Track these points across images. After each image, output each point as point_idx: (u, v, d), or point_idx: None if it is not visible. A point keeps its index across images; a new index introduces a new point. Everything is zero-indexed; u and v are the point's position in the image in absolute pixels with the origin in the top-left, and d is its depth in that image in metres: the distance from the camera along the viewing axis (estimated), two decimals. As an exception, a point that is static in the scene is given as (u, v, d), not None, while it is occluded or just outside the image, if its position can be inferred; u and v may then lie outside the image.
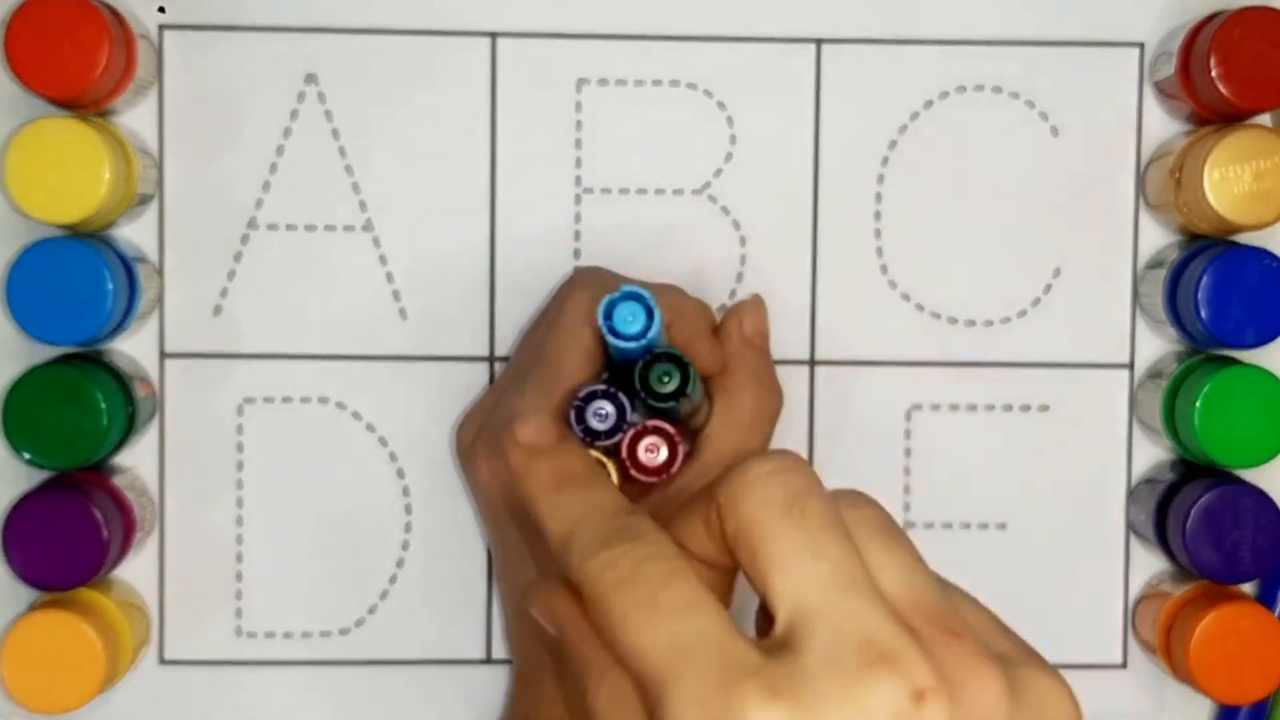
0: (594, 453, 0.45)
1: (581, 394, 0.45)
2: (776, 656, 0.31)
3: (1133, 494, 0.55)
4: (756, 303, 0.53)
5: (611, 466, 0.45)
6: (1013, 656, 0.33)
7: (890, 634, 0.31)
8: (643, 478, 0.45)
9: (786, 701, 0.30)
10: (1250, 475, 0.53)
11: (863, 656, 0.31)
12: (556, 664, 0.46)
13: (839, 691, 0.30)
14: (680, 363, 0.45)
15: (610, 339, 0.44)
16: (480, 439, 0.50)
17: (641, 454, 0.45)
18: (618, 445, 0.45)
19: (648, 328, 0.44)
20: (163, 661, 0.54)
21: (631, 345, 0.44)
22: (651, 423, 0.45)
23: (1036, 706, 0.32)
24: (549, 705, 0.49)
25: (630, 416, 0.45)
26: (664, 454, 0.45)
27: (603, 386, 0.45)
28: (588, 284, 0.50)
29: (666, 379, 0.45)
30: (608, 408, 0.45)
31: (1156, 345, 0.55)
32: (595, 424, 0.45)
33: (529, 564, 0.49)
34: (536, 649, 0.50)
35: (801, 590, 0.32)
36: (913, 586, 0.33)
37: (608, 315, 0.44)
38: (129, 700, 0.54)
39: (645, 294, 0.44)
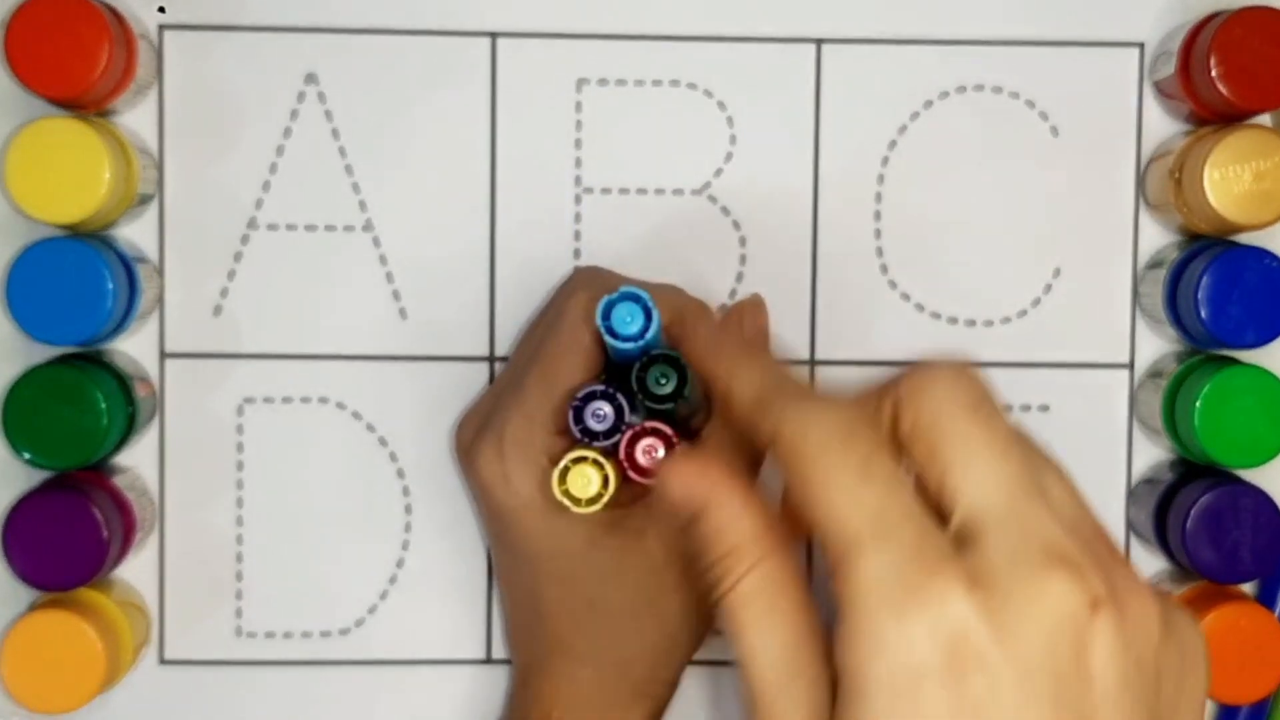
0: (591, 454, 0.45)
1: (580, 394, 0.45)
2: (962, 547, 0.32)
3: (1132, 494, 0.55)
4: (756, 302, 0.53)
5: (610, 467, 0.45)
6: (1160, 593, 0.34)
7: (1069, 542, 0.32)
8: (640, 479, 0.45)
9: (981, 591, 0.31)
10: (1250, 475, 0.53)
11: (1045, 558, 0.32)
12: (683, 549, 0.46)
13: (1022, 588, 0.32)
14: (678, 364, 0.45)
15: (608, 339, 0.44)
16: (480, 438, 0.50)
17: (639, 455, 0.45)
18: (616, 446, 0.45)
19: (646, 328, 0.44)
20: (163, 661, 0.54)
21: (630, 346, 0.44)
22: (650, 424, 0.45)
23: (1181, 640, 0.34)
24: (548, 704, 0.49)
25: (629, 417, 0.45)
26: (662, 455, 0.45)
27: (601, 387, 0.45)
28: (587, 284, 0.50)
29: (664, 380, 0.45)
30: (606, 408, 0.45)
31: (1156, 345, 0.55)
32: (593, 424, 0.45)
33: (528, 563, 0.49)
34: (534, 645, 0.50)
35: (985, 488, 0.33)
36: (1079, 509, 0.34)
37: (606, 316, 0.44)
38: (129, 700, 0.54)
39: (644, 295, 0.44)
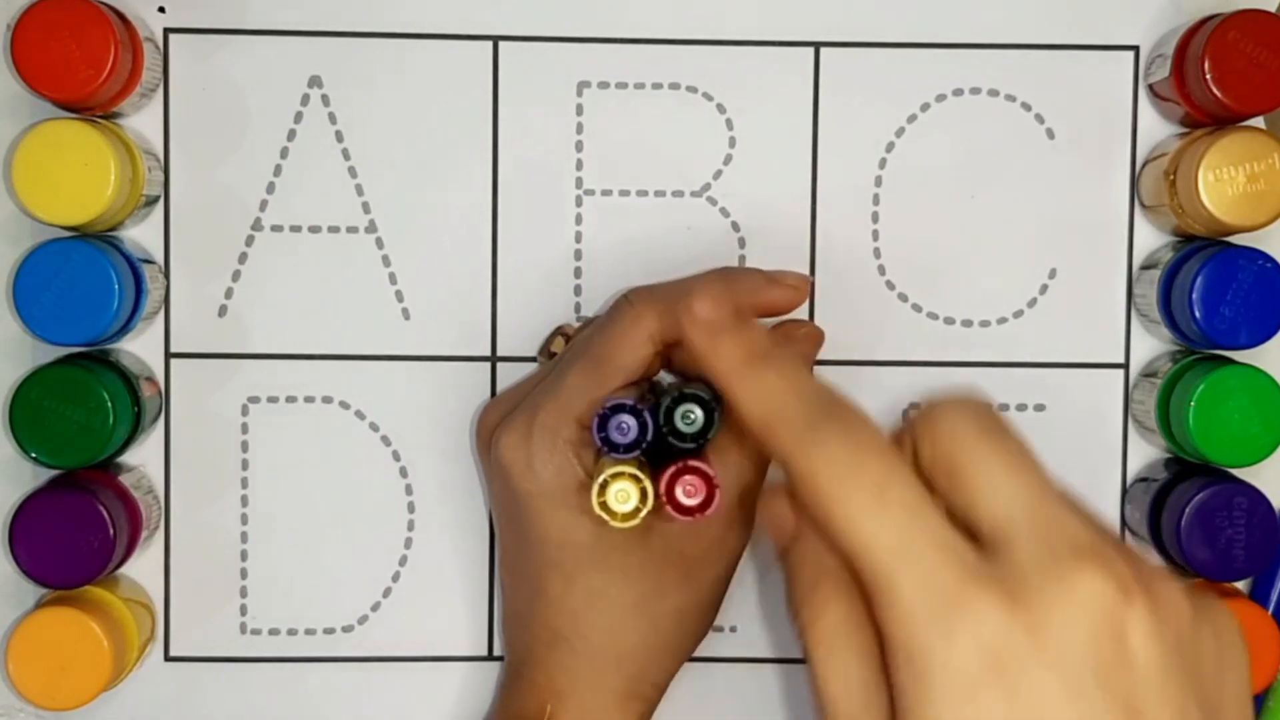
0: (630, 468, 0.45)
1: (608, 405, 0.45)
2: (992, 558, 0.33)
3: (1128, 493, 0.56)
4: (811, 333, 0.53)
5: (649, 483, 0.45)
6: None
7: (1093, 535, 0.34)
8: (679, 517, 0.45)
9: (1014, 599, 0.32)
10: (1244, 474, 0.53)
11: (1073, 554, 0.33)
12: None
13: (1055, 586, 0.33)
14: (707, 405, 0.45)
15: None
16: (510, 420, 0.49)
17: (680, 494, 0.45)
18: (656, 481, 0.45)
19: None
20: (168, 658, 0.55)
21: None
22: (691, 462, 0.45)
23: (1213, 620, 0.35)
24: (543, 695, 0.49)
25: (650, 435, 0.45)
26: (702, 494, 0.45)
27: (630, 402, 0.45)
28: (644, 297, 0.50)
29: (690, 418, 0.45)
30: (630, 423, 0.45)
31: (1151, 345, 0.56)
32: (616, 436, 0.45)
33: (546, 555, 0.50)
34: (529, 635, 0.50)
35: (1007, 499, 0.34)
36: (1090, 511, 0.36)
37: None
38: (135, 697, 0.54)
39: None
